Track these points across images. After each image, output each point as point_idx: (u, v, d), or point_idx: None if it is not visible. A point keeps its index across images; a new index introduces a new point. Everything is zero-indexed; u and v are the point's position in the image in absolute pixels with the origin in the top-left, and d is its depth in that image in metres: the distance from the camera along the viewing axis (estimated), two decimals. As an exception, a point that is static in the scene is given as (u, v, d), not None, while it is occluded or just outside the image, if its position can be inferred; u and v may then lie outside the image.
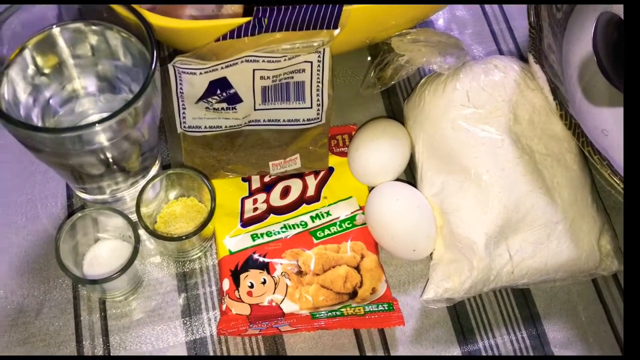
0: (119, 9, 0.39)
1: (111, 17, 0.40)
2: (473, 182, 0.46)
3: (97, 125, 0.36)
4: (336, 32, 0.43)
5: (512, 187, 0.46)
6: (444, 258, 0.47)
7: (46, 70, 0.41)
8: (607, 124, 0.51)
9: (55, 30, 0.40)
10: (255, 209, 0.50)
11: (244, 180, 0.51)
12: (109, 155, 0.40)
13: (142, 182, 0.46)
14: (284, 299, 0.46)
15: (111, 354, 0.46)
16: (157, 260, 0.49)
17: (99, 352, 0.46)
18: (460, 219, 0.46)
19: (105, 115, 0.36)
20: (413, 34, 0.47)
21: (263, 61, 0.44)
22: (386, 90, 0.56)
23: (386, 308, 0.46)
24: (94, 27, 0.41)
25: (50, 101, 0.42)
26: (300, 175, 0.52)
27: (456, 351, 0.47)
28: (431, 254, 0.48)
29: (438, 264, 0.47)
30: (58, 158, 0.39)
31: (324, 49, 0.44)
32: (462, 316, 0.48)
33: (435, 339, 0.48)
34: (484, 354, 0.47)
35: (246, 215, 0.50)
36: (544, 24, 0.48)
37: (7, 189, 0.51)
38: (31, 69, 0.40)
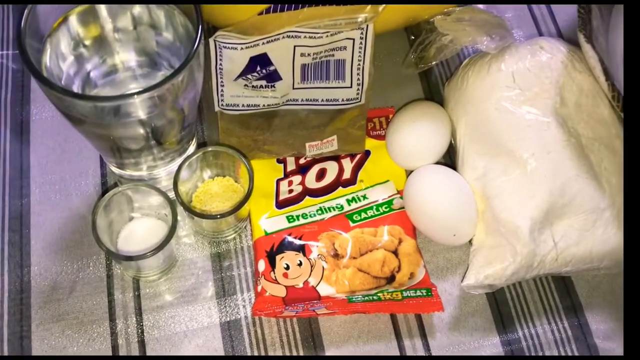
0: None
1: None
2: (518, 165, 0.45)
3: (135, 96, 0.35)
4: (381, 7, 0.42)
5: (558, 171, 0.44)
6: (486, 244, 0.46)
7: (87, 42, 0.40)
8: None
9: (99, -1, 0.40)
10: (291, 191, 0.49)
11: (278, 161, 0.51)
12: (148, 129, 0.39)
13: (179, 160, 0.45)
14: (320, 281, 0.45)
15: (144, 334, 0.45)
16: (191, 241, 0.48)
17: (132, 331, 0.45)
18: (503, 203, 0.45)
19: (145, 88, 0.36)
20: (457, 12, 0.46)
21: (305, 37, 0.43)
22: (424, 73, 0.55)
23: (425, 294, 0.45)
24: (137, -2, 0.40)
25: (91, 74, 0.41)
26: (335, 158, 0.51)
27: (495, 339, 0.46)
28: (470, 240, 0.47)
29: (479, 249, 0.46)
30: (98, 129, 0.38)
31: (367, 26, 0.43)
32: (501, 304, 0.47)
33: (473, 327, 0.46)
34: (523, 343, 0.46)
35: (281, 197, 0.49)
36: (593, 6, 0.46)
37: (41, 166, 0.51)
38: (73, 39, 0.40)
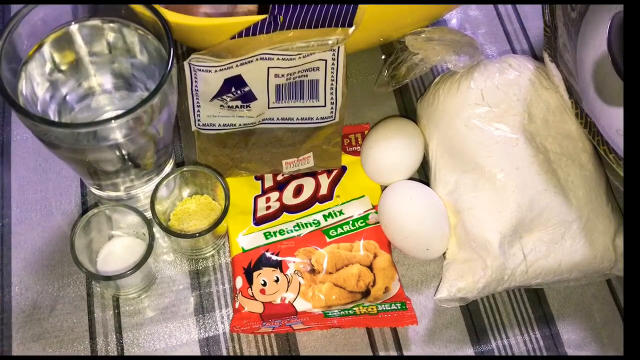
0: (137, 6, 0.39)
1: (128, 14, 0.40)
2: (487, 180, 0.46)
3: (112, 121, 0.36)
4: (351, 30, 0.43)
5: (527, 186, 0.45)
6: (458, 257, 0.47)
7: (63, 67, 0.41)
8: (622, 123, 0.51)
9: (73, 27, 0.40)
10: (268, 208, 0.50)
11: (256, 178, 0.52)
12: (124, 151, 0.40)
13: (157, 180, 0.46)
14: (296, 297, 0.46)
15: (124, 352, 0.46)
16: (170, 258, 0.49)
17: (112, 349, 0.46)
18: (474, 218, 0.46)
19: (121, 112, 0.36)
20: (427, 32, 0.47)
21: (278, 59, 0.44)
22: (399, 89, 0.56)
23: (399, 307, 0.46)
24: (111, 25, 0.41)
25: (67, 98, 0.42)
26: (313, 174, 0.52)
27: (469, 351, 0.47)
28: (444, 253, 0.48)
29: (451, 263, 0.47)
30: (74, 154, 0.39)
31: (338, 47, 0.44)
32: (475, 316, 0.48)
33: (448, 339, 0.47)
34: (497, 354, 0.47)
35: (259, 214, 0.50)
36: (559, 23, 0.48)
37: (21, 186, 0.51)
38: (49, 66, 0.40)
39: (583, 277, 0.47)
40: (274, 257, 0.48)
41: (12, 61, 0.38)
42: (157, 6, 0.40)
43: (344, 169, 0.52)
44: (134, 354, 0.46)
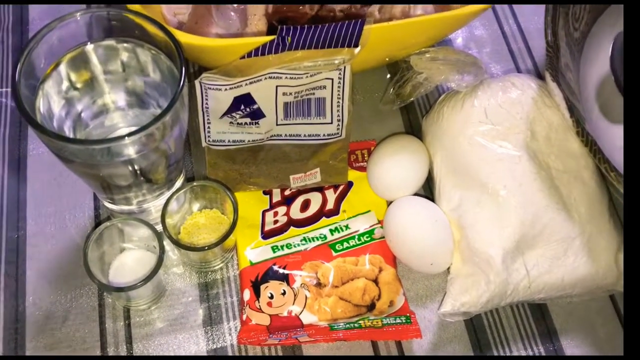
0: (150, 27, 0.41)
1: (142, 34, 0.42)
2: (490, 197, 0.47)
3: (126, 138, 0.37)
4: (357, 50, 0.44)
5: (529, 203, 0.46)
6: (462, 272, 0.47)
7: (79, 85, 0.43)
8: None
9: (89, 47, 0.42)
10: (276, 222, 0.51)
11: (265, 193, 0.53)
12: (136, 166, 0.41)
13: (168, 194, 0.47)
14: (303, 310, 0.47)
15: (134, 361, 0.47)
16: (180, 271, 0.50)
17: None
18: (477, 234, 0.46)
19: (133, 128, 0.38)
20: (432, 52, 0.49)
21: (286, 78, 0.45)
22: (405, 107, 0.57)
23: (404, 321, 0.47)
24: (125, 45, 0.42)
25: (82, 114, 0.43)
26: (320, 189, 0.53)
27: (473, 365, 0.48)
28: (449, 267, 0.49)
29: (455, 277, 0.48)
30: (88, 169, 0.41)
31: (344, 67, 0.45)
32: (479, 330, 0.49)
33: (452, 353, 0.48)
34: (500, 368, 0.48)
35: (267, 228, 0.51)
36: (561, 43, 0.49)
37: (37, 199, 0.53)
38: (65, 84, 0.42)
39: (586, 292, 0.47)
40: (281, 271, 0.49)
41: (31, 79, 0.39)
42: (169, 27, 0.41)
43: (350, 184, 0.53)
44: (144, 365, 0.47)
